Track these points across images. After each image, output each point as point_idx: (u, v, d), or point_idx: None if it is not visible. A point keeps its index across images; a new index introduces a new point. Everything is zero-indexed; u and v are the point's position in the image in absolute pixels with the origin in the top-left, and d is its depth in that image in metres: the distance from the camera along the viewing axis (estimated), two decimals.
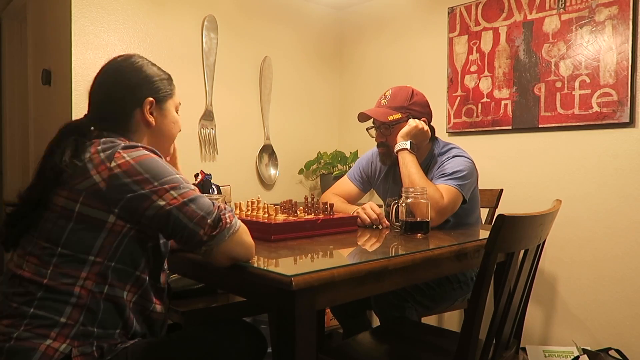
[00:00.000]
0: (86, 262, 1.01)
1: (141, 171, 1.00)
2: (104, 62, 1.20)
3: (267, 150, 2.88)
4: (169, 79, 1.24)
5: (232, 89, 2.72)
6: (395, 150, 1.75)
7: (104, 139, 1.07)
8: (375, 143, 1.91)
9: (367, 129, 1.91)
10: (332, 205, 1.59)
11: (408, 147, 1.71)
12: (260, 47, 2.83)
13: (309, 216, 1.53)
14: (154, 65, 1.22)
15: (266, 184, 2.89)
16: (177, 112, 1.26)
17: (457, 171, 1.68)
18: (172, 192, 1.01)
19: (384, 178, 1.98)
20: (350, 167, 2.93)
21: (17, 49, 3.14)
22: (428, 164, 1.81)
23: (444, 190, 1.62)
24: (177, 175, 1.04)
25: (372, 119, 1.83)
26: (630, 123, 2.01)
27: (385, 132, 1.81)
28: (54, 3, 2.34)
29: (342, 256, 1.29)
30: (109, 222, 1.01)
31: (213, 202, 1.05)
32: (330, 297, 1.07)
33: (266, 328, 2.21)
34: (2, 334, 0.97)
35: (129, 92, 1.15)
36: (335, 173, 2.88)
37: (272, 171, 2.90)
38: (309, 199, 1.62)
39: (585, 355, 1.90)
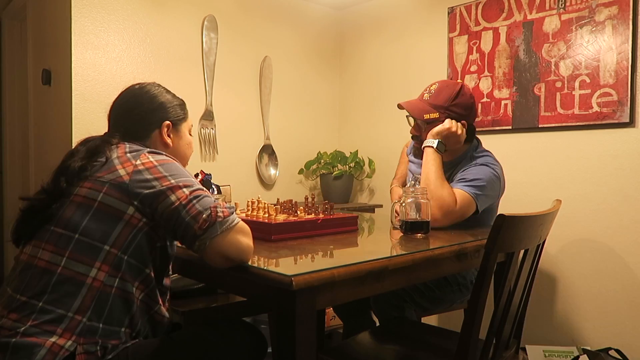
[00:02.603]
0: (101, 251, 1.04)
1: (162, 170, 1.09)
2: (125, 88, 1.30)
3: (267, 150, 2.88)
4: (182, 104, 1.34)
5: (232, 89, 2.72)
6: (422, 146, 1.71)
7: (129, 144, 1.16)
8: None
9: (407, 116, 1.80)
10: (332, 205, 1.59)
11: (435, 145, 1.66)
12: (260, 47, 2.83)
13: (309, 216, 1.53)
14: (169, 92, 1.31)
15: (266, 184, 2.89)
16: (190, 134, 1.35)
17: (478, 179, 1.61)
18: (184, 189, 1.07)
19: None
20: (350, 167, 2.93)
21: (17, 49, 3.14)
22: (458, 164, 1.75)
23: (459, 195, 1.58)
24: (193, 179, 1.13)
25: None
26: (630, 123, 2.01)
27: (421, 126, 1.75)
28: (54, 3, 2.34)
29: (342, 256, 1.29)
30: (127, 214, 1.06)
31: (215, 200, 1.09)
32: (331, 297, 1.07)
33: (266, 328, 2.21)
34: (9, 329, 0.98)
35: (147, 114, 1.24)
36: (335, 173, 2.88)
37: (272, 171, 2.90)
38: (309, 199, 1.62)
39: (585, 355, 1.90)
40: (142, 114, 1.24)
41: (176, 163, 1.14)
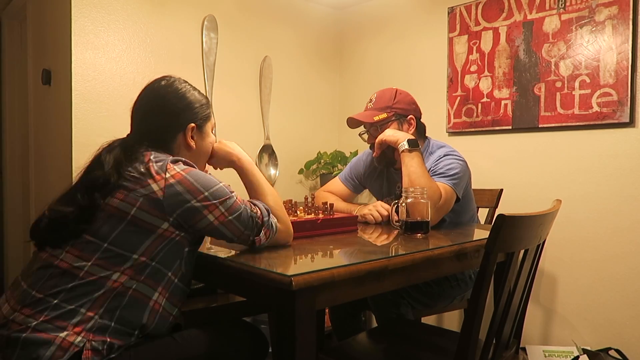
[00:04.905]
0: (129, 259, 1.05)
1: (192, 181, 1.10)
2: (145, 83, 1.26)
3: (267, 150, 2.88)
4: (208, 103, 1.31)
5: (232, 89, 2.72)
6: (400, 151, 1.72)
7: (153, 152, 1.15)
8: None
9: (359, 134, 1.93)
10: (332, 205, 1.59)
11: (406, 146, 1.68)
12: (260, 47, 2.83)
13: (309, 216, 1.53)
14: (195, 89, 1.28)
15: None
16: (212, 132, 1.33)
17: (450, 169, 1.69)
18: (220, 207, 1.11)
19: (378, 176, 1.98)
20: None
21: (17, 49, 3.14)
22: None
23: (441, 188, 1.63)
24: (221, 184, 1.15)
25: (364, 124, 1.85)
26: (630, 123, 2.01)
27: (375, 133, 1.82)
28: (54, 3, 2.34)
29: (342, 256, 1.29)
30: (161, 228, 1.07)
31: (252, 216, 1.16)
32: (330, 297, 1.07)
33: (266, 328, 2.21)
34: (19, 323, 0.99)
35: (173, 118, 1.22)
36: (335, 173, 2.87)
37: (272, 171, 2.90)
38: (309, 199, 1.62)
39: (585, 355, 1.90)
40: (167, 119, 1.21)
41: (197, 170, 1.14)
